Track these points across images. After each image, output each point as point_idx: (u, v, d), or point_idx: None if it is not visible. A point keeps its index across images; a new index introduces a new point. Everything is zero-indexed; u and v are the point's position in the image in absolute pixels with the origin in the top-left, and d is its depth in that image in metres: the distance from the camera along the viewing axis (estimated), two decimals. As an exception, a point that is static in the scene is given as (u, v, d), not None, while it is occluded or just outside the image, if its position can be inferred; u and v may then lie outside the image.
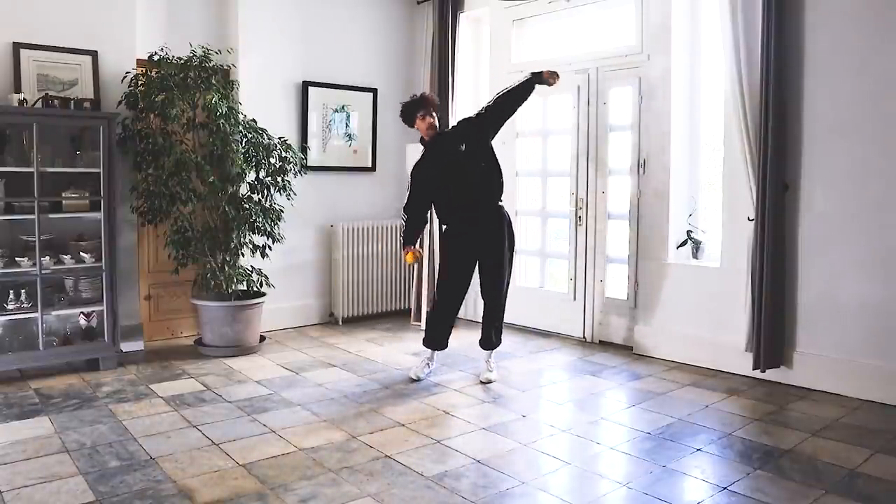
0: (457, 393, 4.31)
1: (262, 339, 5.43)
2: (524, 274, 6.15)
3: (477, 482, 3.06)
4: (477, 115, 4.52)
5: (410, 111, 4.48)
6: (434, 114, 4.49)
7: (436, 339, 4.61)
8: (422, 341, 4.70)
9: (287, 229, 5.47)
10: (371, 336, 5.80)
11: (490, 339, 4.62)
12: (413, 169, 4.64)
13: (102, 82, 4.90)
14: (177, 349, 5.28)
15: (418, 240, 4.53)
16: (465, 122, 4.57)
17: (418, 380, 4.52)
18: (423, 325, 6.04)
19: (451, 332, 4.65)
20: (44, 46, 4.69)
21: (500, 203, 4.49)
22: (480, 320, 4.68)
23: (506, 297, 4.63)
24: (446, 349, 4.70)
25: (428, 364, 4.62)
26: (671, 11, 4.97)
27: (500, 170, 4.48)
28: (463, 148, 4.38)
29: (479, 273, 4.56)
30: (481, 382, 4.50)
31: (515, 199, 6.05)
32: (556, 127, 5.83)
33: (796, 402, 4.13)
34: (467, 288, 4.55)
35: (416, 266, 5.98)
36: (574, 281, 5.66)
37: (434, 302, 4.71)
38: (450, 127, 4.73)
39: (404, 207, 4.65)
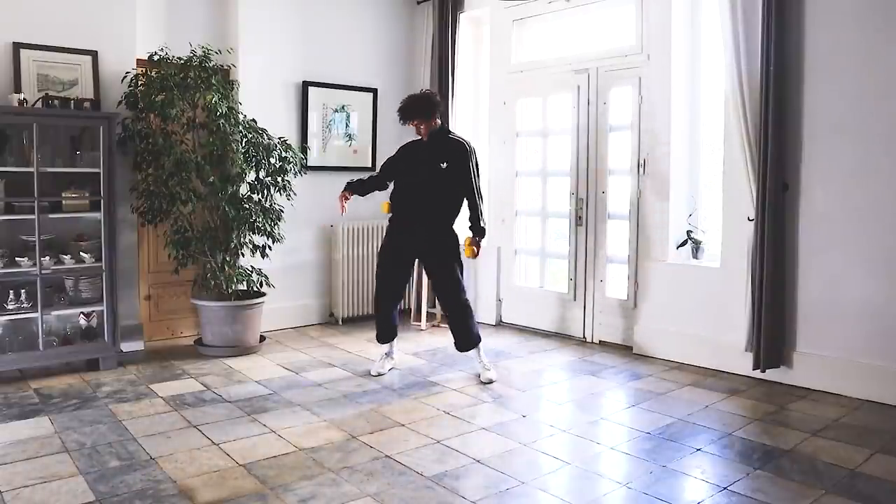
0: (457, 393, 4.31)
1: (262, 339, 5.42)
2: (524, 274, 6.16)
3: (477, 482, 3.06)
4: (469, 167, 4.46)
5: (410, 114, 4.50)
6: (431, 122, 4.49)
7: (383, 332, 4.76)
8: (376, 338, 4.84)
9: (287, 229, 5.46)
10: (371, 336, 5.71)
11: (461, 340, 4.62)
12: (400, 148, 4.82)
13: (102, 82, 4.90)
14: (177, 349, 5.28)
15: (352, 196, 4.79)
16: (463, 150, 4.48)
17: (379, 375, 4.63)
18: (422, 325, 6.09)
19: (397, 321, 4.78)
20: (44, 46, 4.69)
21: (449, 223, 4.56)
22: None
23: (462, 295, 4.55)
24: (396, 336, 4.82)
25: (387, 358, 4.76)
26: (671, 11, 4.97)
27: (459, 203, 4.57)
28: (444, 166, 4.46)
29: (428, 276, 4.76)
30: (482, 383, 4.50)
31: (515, 199, 6.05)
32: (556, 127, 5.82)
33: (796, 402, 4.13)
34: (403, 282, 4.70)
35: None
36: (574, 281, 5.65)
37: (375, 299, 4.81)
38: (453, 133, 4.72)
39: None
